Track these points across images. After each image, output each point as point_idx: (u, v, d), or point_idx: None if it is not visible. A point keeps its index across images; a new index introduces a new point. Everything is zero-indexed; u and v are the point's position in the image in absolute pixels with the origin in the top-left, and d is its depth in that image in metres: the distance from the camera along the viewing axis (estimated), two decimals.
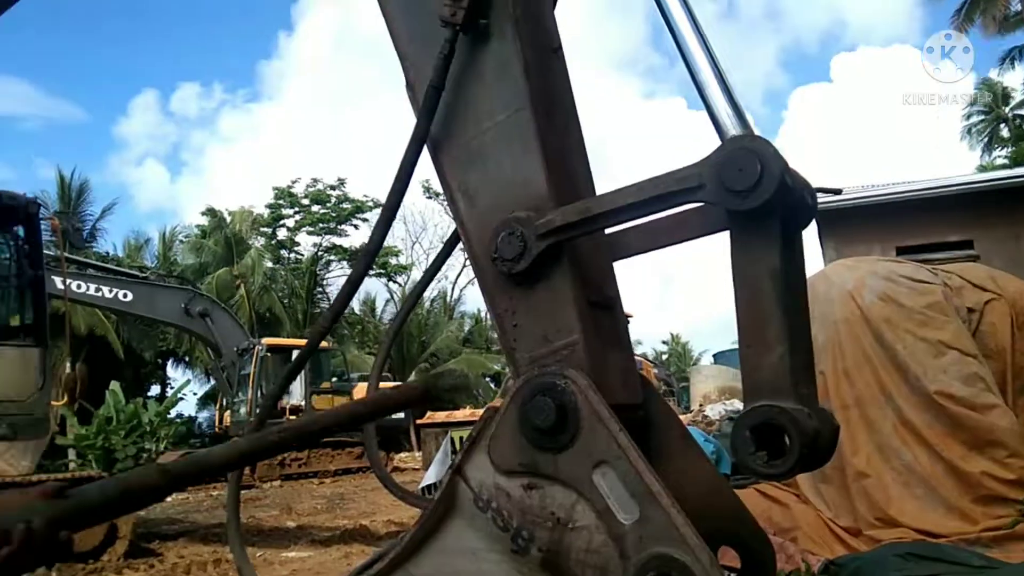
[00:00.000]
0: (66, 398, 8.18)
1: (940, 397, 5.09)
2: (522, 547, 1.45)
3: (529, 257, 1.44)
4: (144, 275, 15.61)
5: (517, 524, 1.46)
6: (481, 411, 10.61)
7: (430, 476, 3.07)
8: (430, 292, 34.40)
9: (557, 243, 1.44)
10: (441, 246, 1.84)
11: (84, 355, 20.23)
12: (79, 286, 11.65)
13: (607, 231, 1.54)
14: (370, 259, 1.65)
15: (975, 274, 5.88)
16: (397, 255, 34.07)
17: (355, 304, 33.50)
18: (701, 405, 14.15)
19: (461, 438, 3.23)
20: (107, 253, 26.11)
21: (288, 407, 15.56)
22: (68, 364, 9.00)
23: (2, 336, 6.66)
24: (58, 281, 9.07)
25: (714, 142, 1.38)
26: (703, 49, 1.63)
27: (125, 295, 13.14)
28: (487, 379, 33.53)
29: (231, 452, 1.11)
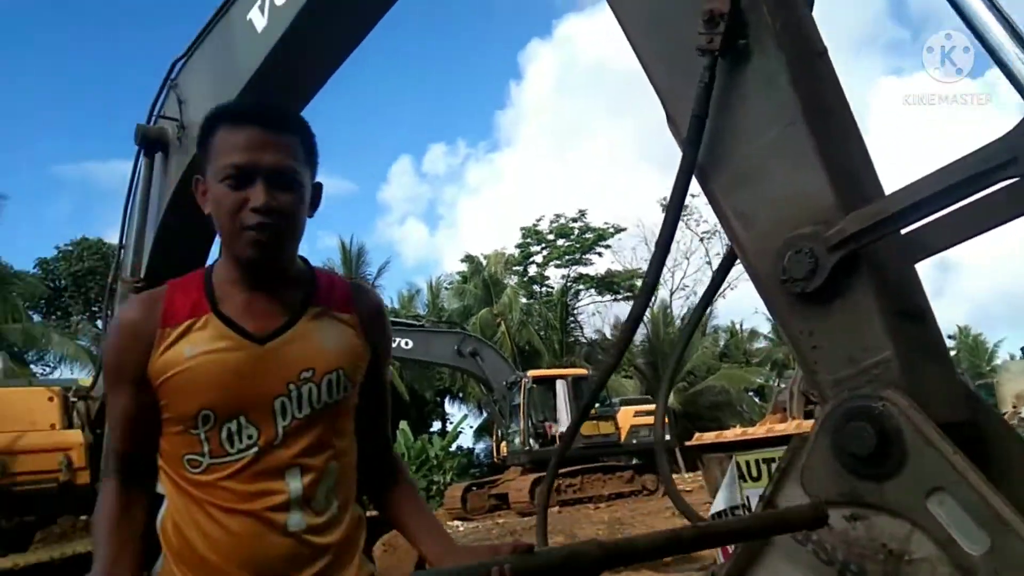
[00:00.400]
0: None
1: None
2: None
3: (823, 273, 1.36)
4: (420, 323, 17.05)
5: (843, 558, 1.38)
6: (751, 429, 10.16)
7: (719, 503, 2.98)
8: (679, 310, 33.82)
9: (852, 253, 1.35)
10: (714, 266, 1.81)
11: None
12: None
13: (903, 231, 1.42)
14: (649, 293, 1.66)
15: None
16: (643, 277, 34.04)
17: (606, 329, 33.89)
18: (1015, 407, 12.34)
19: (747, 462, 3.12)
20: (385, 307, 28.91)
21: (557, 434, 16.06)
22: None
23: None
24: None
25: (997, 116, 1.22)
26: (990, 8, 1.45)
27: (407, 343, 14.43)
28: (750, 393, 32.06)
29: (659, 539, 1.18)
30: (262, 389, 1.31)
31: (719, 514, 3.20)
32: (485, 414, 26.86)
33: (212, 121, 1.37)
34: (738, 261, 1.65)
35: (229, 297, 1.35)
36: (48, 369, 21.15)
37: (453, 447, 23.21)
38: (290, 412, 1.32)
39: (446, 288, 32.29)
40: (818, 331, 1.43)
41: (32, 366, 20.32)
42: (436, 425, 29.53)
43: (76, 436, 6.36)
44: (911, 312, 1.45)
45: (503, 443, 17.83)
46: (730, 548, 3.24)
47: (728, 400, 29.11)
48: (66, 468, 6.15)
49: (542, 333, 30.36)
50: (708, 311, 35.77)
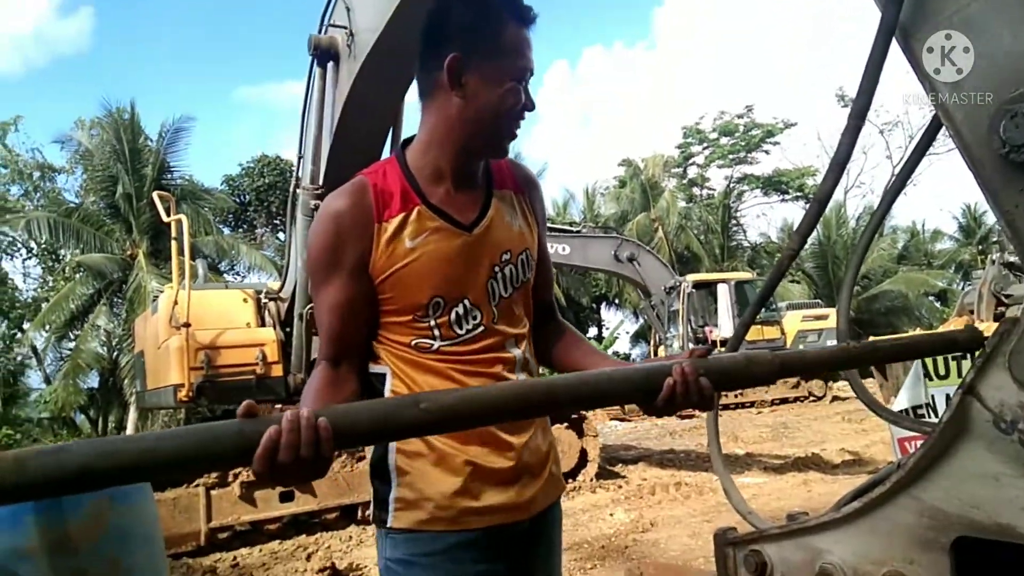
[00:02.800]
0: None
1: None
2: None
3: None
4: (576, 229, 17.04)
5: None
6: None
7: (902, 401, 2.83)
8: (854, 210, 31.61)
9: None
10: (912, 149, 1.65)
11: None
12: None
13: None
14: (840, 170, 1.55)
15: None
16: (814, 175, 31.96)
17: (772, 232, 32.37)
18: None
19: (934, 360, 2.93)
20: None
21: (719, 339, 15.78)
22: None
23: None
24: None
25: None
26: None
27: (564, 249, 14.53)
28: (930, 298, 29.82)
29: (828, 353, 1.30)
30: (478, 273, 1.39)
31: (903, 412, 3.06)
32: (641, 320, 26.81)
33: (501, 13, 1.35)
34: (942, 132, 1.50)
35: (431, 187, 1.39)
36: (239, 277, 23.17)
37: (610, 352, 23.47)
38: (498, 292, 1.42)
39: (602, 194, 31.98)
40: None
41: (225, 275, 22.33)
42: (592, 331, 29.89)
43: (269, 333, 7.00)
44: None
45: (661, 348, 17.81)
46: (908, 446, 3.10)
47: (905, 305, 27.28)
48: (261, 362, 6.79)
49: (702, 237, 29.53)
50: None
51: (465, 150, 1.39)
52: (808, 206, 1.66)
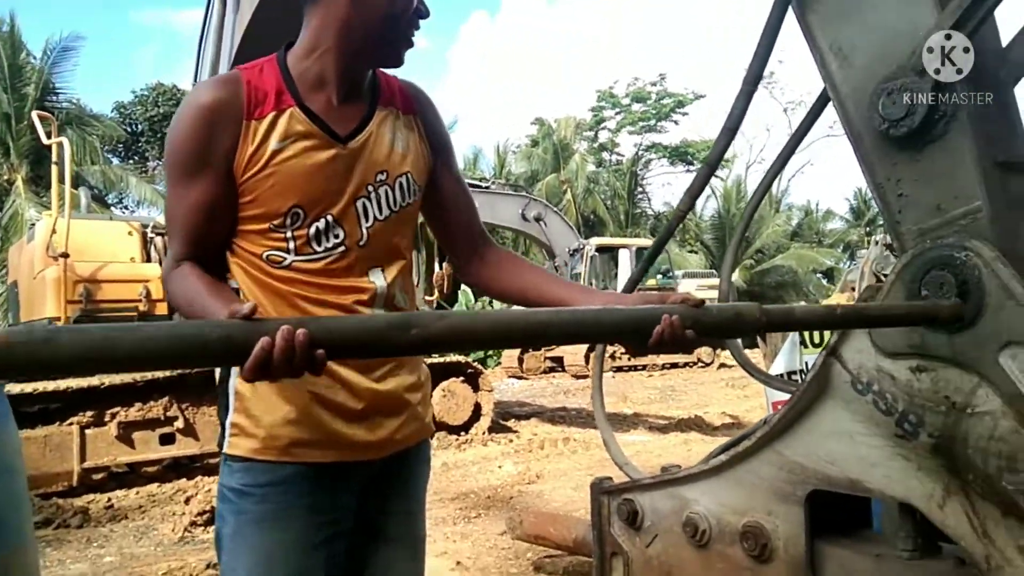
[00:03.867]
0: (437, 294, 9.46)
1: None
2: (909, 432, 1.36)
3: (919, 114, 1.28)
4: (485, 185, 16.97)
5: (903, 408, 1.37)
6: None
7: (779, 366, 2.98)
8: (754, 184, 32.78)
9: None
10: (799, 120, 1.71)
11: (445, 259, 22.86)
12: None
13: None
14: (731, 135, 1.59)
15: None
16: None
17: (676, 202, 33.23)
18: None
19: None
20: None
21: None
22: (436, 265, 10.22)
23: None
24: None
25: None
26: None
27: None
28: (818, 275, 31.48)
29: (814, 311, 1.26)
30: (347, 188, 1.30)
31: (779, 376, 3.21)
32: None
33: None
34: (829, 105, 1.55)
35: (310, 94, 1.30)
36: (127, 212, 22.03)
37: None
38: (372, 214, 1.33)
39: (513, 152, 31.95)
40: (906, 177, 1.36)
41: (112, 208, 21.19)
42: None
43: (154, 269, 6.70)
44: (1011, 164, 1.36)
45: None
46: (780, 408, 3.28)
47: (795, 280, 28.68)
48: (145, 298, 6.52)
49: (608, 203, 30.04)
50: (784, 187, 34.72)
51: (354, 55, 1.30)
52: (699, 168, 1.70)
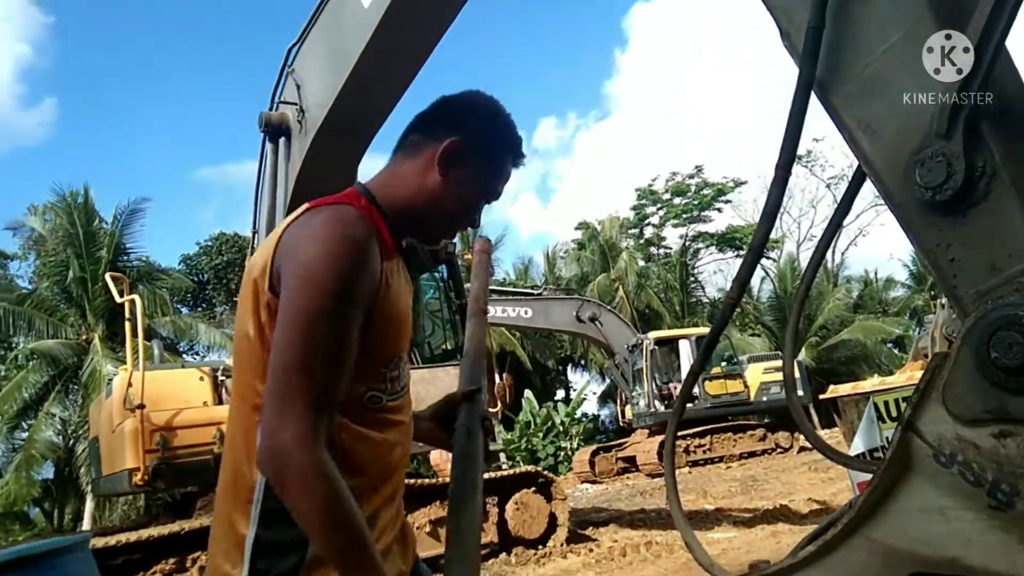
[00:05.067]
0: (500, 405, 9.43)
1: None
2: (1004, 502, 1.29)
3: (959, 175, 1.28)
4: (538, 292, 17.15)
5: (993, 477, 1.31)
6: (890, 379, 9.64)
7: (858, 445, 2.86)
8: (805, 264, 32.32)
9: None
10: (836, 202, 1.72)
11: (505, 368, 22.87)
12: (490, 311, 13.11)
13: None
14: (771, 219, 1.61)
15: None
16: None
17: (725, 287, 32.93)
18: None
19: (885, 402, 2.99)
20: (503, 279, 29.34)
21: None
22: (496, 376, 10.23)
23: (442, 359, 7.92)
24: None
25: None
26: None
27: (526, 311, 14.60)
28: (888, 345, 30.39)
29: None
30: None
31: (860, 456, 3.09)
32: (608, 380, 26.82)
33: (509, 145, 1.47)
34: (867, 181, 1.57)
35: (396, 239, 1.41)
36: (198, 357, 22.79)
37: (578, 414, 23.35)
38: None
39: (562, 256, 32.33)
40: (955, 242, 1.35)
41: (184, 355, 21.92)
42: (560, 393, 29.78)
43: (226, 411, 6.83)
44: None
45: (627, 407, 17.79)
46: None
47: (864, 353, 27.71)
48: (219, 441, 6.62)
49: (661, 295, 29.90)
50: (839, 260, 34.17)
51: (416, 220, 1.40)
52: (744, 255, 1.71)
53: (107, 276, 7.52)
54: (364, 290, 1.20)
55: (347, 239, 1.18)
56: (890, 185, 1.43)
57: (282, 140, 5.23)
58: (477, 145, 1.40)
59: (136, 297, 6.96)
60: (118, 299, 6.93)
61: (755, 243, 1.71)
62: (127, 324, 6.90)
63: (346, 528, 1.10)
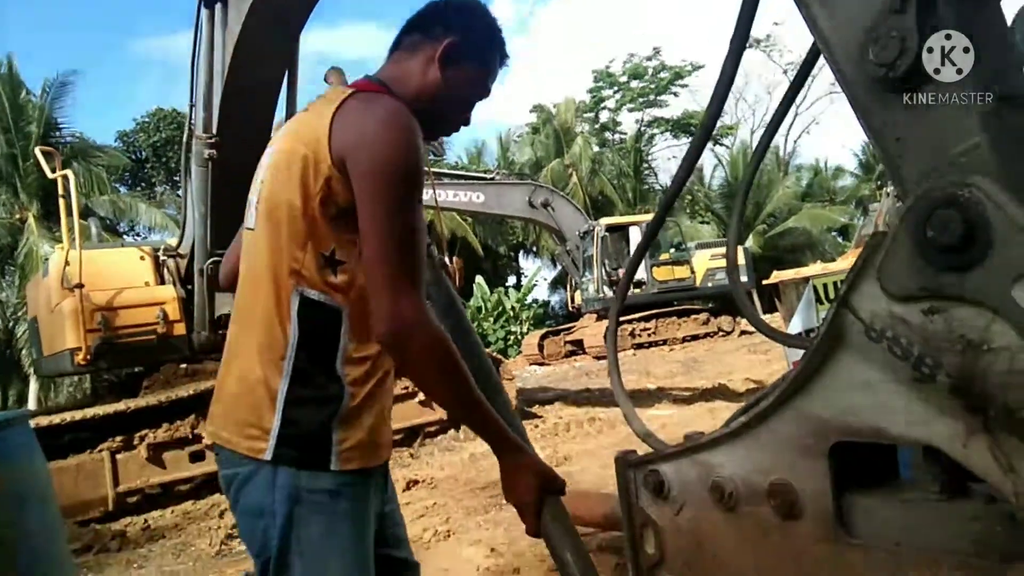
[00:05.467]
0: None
1: None
2: (927, 374, 1.34)
3: (911, 55, 1.26)
4: (490, 176, 16.93)
5: (919, 351, 1.35)
6: (832, 264, 9.93)
7: (796, 325, 2.98)
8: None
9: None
10: (785, 91, 1.68)
11: (456, 253, 22.90)
12: (441, 194, 12.96)
13: None
14: (722, 98, 1.57)
15: None
16: (722, 116, 32.67)
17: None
18: None
19: (824, 284, 3.09)
20: (455, 163, 28.87)
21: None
22: (446, 259, 10.21)
23: None
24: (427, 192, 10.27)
25: None
26: None
27: (478, 196, 14.47)
28: (833, 233, 31.20)
29: None
30: None
31: (797, 335, 3.20)
32: (559, 267, 27.12)
33: (498, 45, 1.56)
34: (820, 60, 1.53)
35: None
36: (139, 238, 22.20)
37: (529, 299, 23.67)
38: None
39: (515, 140, 31.87)
40: (902, 121, 1.34)
41: (124, 236, 21.35)
42: (511, 279, 30.09)
43: (169, 291, 6.75)
44: (1011, 96, 1.34)
45: (577, 292, 18.09)
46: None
47: (810, 241, 28.42)
48: (163, 321, 6.58)
49: (615, 182, 29.91)
50: (790, 149, 34.38)
51: (429, 117, 1.44)
52: (694, 134, 1.69)
53: (37, 150, 7.15)
54: (421, 175, 1.33)
55: (415, 132, 1.30)
56: (844, 63, 1.40)
57: (218, 5, 4.92)
58: (473, 46, 1.50)
59: (69, 172, 6.66)
60: (49, 175, 6.64)
61: (705, 120, 1.68)
62: (61, 201, 6.64)
63: (471, 386, 1.32)
